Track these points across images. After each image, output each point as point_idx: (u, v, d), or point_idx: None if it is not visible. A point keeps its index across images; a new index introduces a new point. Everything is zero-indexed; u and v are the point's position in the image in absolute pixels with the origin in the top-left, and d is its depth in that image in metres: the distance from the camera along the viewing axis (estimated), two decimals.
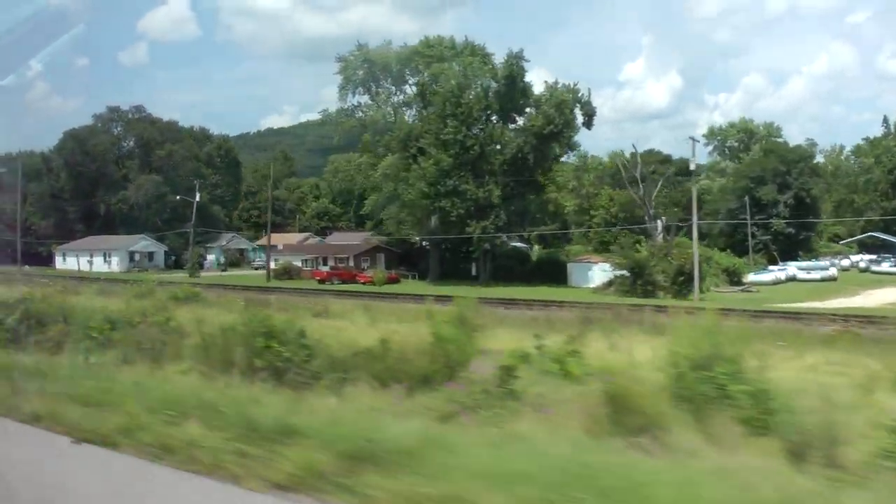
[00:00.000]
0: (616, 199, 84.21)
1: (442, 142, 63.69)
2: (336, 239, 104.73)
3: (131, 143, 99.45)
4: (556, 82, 64.70)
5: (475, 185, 63.87)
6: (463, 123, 63.65)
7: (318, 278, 67.07)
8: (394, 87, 74.83)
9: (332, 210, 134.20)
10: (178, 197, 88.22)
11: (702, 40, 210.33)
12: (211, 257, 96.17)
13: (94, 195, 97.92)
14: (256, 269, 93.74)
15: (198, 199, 77.26)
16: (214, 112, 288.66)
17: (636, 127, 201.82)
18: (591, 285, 63.57)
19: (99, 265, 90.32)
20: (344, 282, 66.78)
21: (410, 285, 66.11)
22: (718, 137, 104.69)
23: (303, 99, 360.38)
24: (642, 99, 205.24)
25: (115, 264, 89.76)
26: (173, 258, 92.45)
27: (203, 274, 79.34)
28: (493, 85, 66.10)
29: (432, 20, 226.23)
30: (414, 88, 70.49)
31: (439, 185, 64.17)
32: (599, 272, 64.36)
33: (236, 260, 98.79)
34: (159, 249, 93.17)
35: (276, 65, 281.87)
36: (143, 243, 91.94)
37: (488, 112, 65.01)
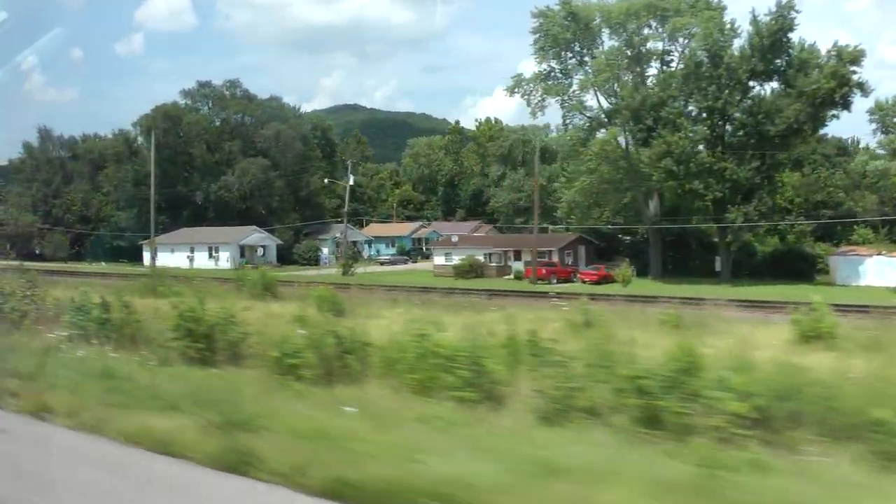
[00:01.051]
0: None
1: (699, 110, 52.31)
2: (447, 228, 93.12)
3: (226, 122, 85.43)
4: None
5: (735, 162, 52.69)
6: (723, 88, 52.35)
7: (539, 277, 55.20)
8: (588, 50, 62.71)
9: (416, 198, 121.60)
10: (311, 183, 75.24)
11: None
12: (324, 251, 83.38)
13: (189, 182, 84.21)
14: (382, 264, 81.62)
15: (351, 181, 64.62)
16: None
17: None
18: (866, 282, 53.12)
19: (203, 261, 77.21)
20: (559, 280, 55.18)
21: (640, 284, 54.56)
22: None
23: (301, 88, 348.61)
24: None
25: (225, 260, 76.56)
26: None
27: (337, 271, 67.20)
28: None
29: (430, 10, 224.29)
30: (642, 48, 58.60)
31: (690, 164, 52.86)
32: (876, 266, 53.79)
33: (354, 254, 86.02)
34: (271, 243, 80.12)
35: (274, 54, 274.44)
36: (255, 236, 78.86)
37: (751, 74, 53.75)
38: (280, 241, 78.92)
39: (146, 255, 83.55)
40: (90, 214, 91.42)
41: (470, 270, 62.01)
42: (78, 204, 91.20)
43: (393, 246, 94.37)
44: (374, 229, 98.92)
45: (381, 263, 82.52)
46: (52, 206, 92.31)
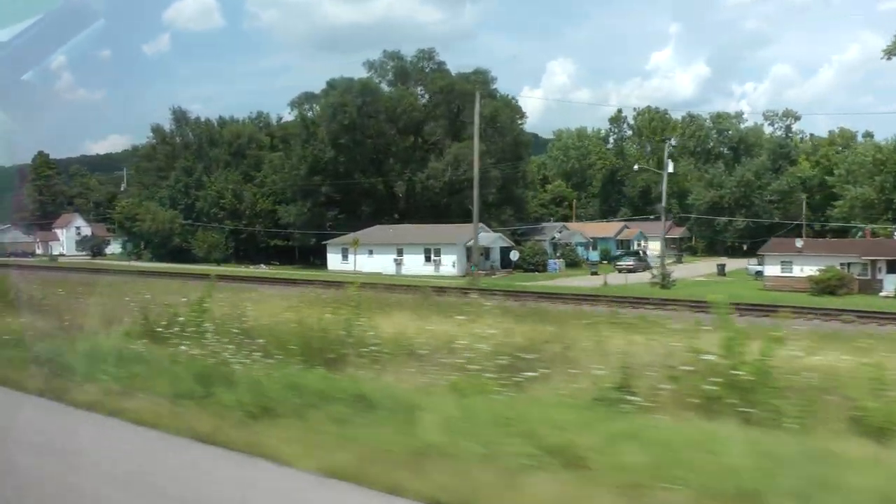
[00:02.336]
0: None
1: None
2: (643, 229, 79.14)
3: (422, 100, 70.31)
4: None
5: None
6: None
7: None
8: None
9: (570, 194, 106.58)
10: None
11: (730, 29, 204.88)
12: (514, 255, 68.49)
13: (376, 171, 69.15)
14: (620, 270, 67.22)
15: (671, 168, 49.98)
16: (235, 102, 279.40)
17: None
18: None
19: (416, 265, 62.55)
20: None
21: None
22: None
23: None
24: (669, 88, 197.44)
25: (451, 265, 61.81)
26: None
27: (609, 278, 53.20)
28: None
29: (458, 10, 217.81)
30: None
31: None
32: None
33: (574, 259, 71.34)
34: (495, 245, 65.23)
35: (301, 53, 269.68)
36: (484, 235, 63.80)
37: None
38: (511, 243, 64.00)
39: (332, 258, 68.57)
40: (243, 209, 75.92)
41: (840, 285, 47.49)
42: (228, 196, 75.65)
43: (594, 249, 79.65)
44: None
45: (620, 270, 67.83)
46: (195, 198, 76.73)
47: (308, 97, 78.38)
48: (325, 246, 69.50)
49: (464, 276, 61.96)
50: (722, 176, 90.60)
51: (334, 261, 68.45)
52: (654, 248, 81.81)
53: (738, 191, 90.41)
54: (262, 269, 70.04)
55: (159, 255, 75.60)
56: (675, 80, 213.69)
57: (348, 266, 65.95)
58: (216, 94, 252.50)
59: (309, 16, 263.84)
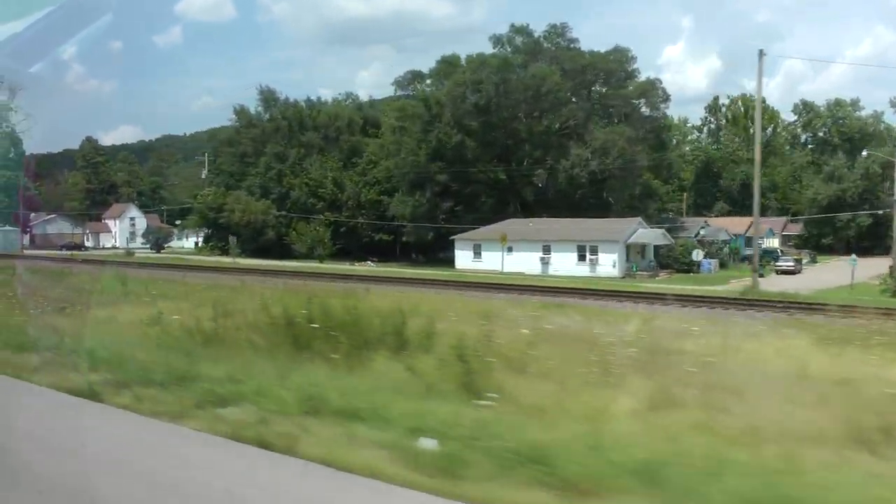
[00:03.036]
0: None
1: None
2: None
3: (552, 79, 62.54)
4: None
5: None
6: None
7: None
8: None
9: (658, 187, 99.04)
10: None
11: (743, 23, 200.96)
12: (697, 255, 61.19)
13: (508, 158, 61.70)
14: (779, 272, 60.26)
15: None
16: (245, 97, 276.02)
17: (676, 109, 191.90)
18: None
19: (567, 265, 55.50)
20: None
21: None
22: None
23: (337, 82, 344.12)
24: (682, 82, 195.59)
25: (611, 265, 54.70)
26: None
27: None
28: None
29: (469, 5, 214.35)
30: None
31: None
32: None
33: (724, 258, 64.11)
34: (655, 242, 58.00)
35: (313, 47, 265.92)
36: (643, 232, 56.68)
37: None
38: (672, 241, 56.70)
39: (461, 255, 61.02)
40: (344, 199, 68.19)
41: None
42: (328, 185, 67.88)
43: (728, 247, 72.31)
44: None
45: (777, 272, 60.88)
46: (289, 187, 68.86)
47: (415, 76, 70.72)
48: (438, 241, 62.03)
49: (622, 276, 54.97)
50: (843, 168, 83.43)
51: (463, 258, 60.87)
52: (770, 245, 75.11)
53: (861, 184, 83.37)
54: (370, 266, 62.57)
55: (250, 251, 67.76)
56: (686, 75, 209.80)
57: (481, 264, 58.65)
58: (227, 86, 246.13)
59: (321, 9, 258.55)
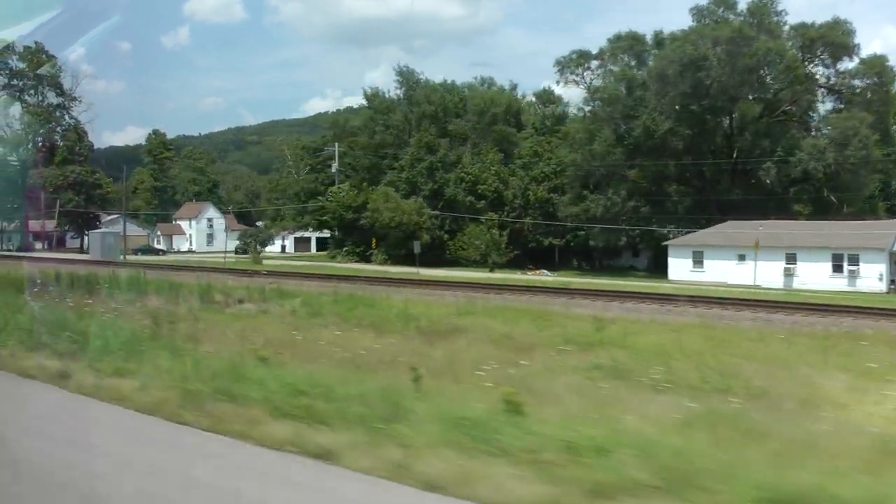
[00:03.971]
0: None
1: None
2: None
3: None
4: None
5: None
6: None
7: None
8: None
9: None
10: None
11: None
12: None
13: (719, 149, 52.33)
14: None
15: None
16: (253, 97, 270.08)
17: None
18: None
19: (814, 276, 46.30)
20: None
21: None
22: None
23: (346, 82, 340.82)
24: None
25: (878, 277, 45.47)
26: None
27: None
28: None
29: (479, 5, 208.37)
30: None
31: None
32: None
33: None
34: None
35: (321, 48, 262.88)
36: None
37: None
38: None
39: (676, 264, 51.51)
40: (510, 198, 58.36)
41: None
42: (491, 182, 58.05)
43: None
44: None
45: None
46: (442, 182, 58.92)
47: (583, 56, 61.03)
48: (620, 247, 52.39)
49: (887, 291, 45.71)
50: None
51: (679, 268, 51.21)
52: None
53: None
54: (547, 277, 52.76)
55: (397, 257, 57.78)
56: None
57: (702, 275, 49.13)
58: (236, 86, 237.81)
59: (330, 10, 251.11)
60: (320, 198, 63.55)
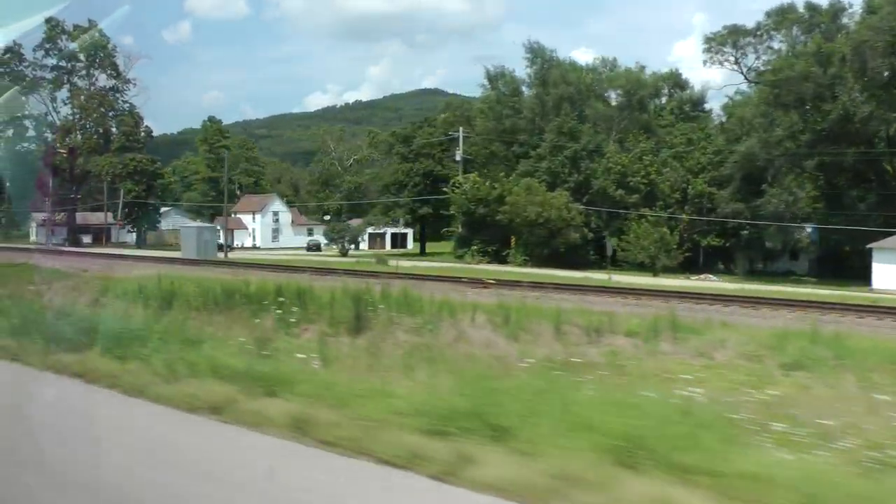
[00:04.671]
0: None
1: None
2: None
3: None
4: None
5: None
6: None
7: None
8: None
9: None
10: None
11: (755, 18, 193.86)
12: None
13: None
14: None
15: None
16: (255, 92, 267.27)
17: None
18: None
19: None
20: None
21: None
22: None
23: (347, 78, 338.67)
24: (695, 79, 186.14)
25: None
26: None
27: None
28: None
29: (483, 0, 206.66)
30: None
31: None
32: None
33: None
34: None
35: (323, 43, 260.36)
36: None
37: None
38: None
39: (882, 270, 45.00)
40: (669, 192, 51.66)
41: None
42: (647, 173, 51.33)
43: None
44: None
45: None
46: (588, 174, 52.20)
47: (734, 32, 54.42)
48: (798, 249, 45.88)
49: None
50: None
51: (887, 275, 44.66)
52: None
53: None
54: (713, 282, 46.12)
55: (540, 258, 51.00)
56: (699, 72, 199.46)
57: None
58: (238, 80, 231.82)
59: (333, 4, 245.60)
60: (445, 189, 56.40)
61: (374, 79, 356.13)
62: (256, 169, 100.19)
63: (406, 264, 47.15)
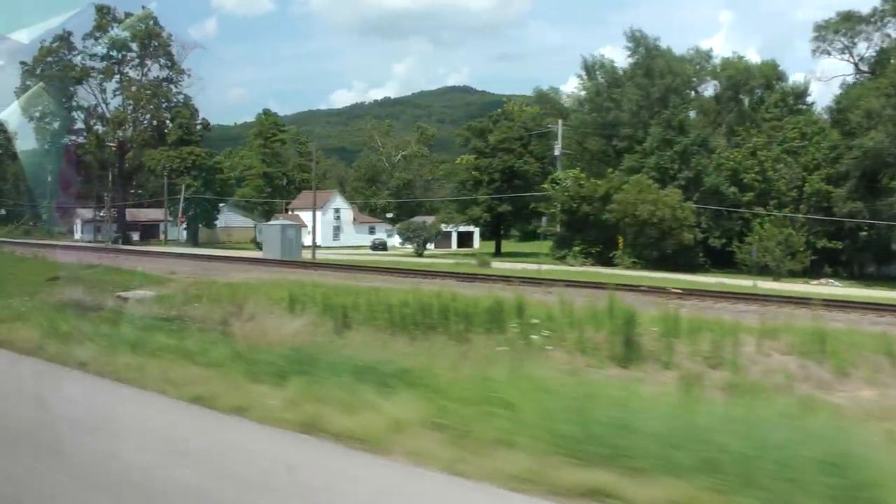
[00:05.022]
0: None
1: None
2: None
3: None
4: None
5: None
6: None
7: None
8: None
9: None
10: None
11: (781, 17, 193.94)
12: None
13: None
14: None
15: None
16: (280, 89, 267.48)
17: None
18: None
19: None
20: None
21: None
22: None
23: (372, 75, 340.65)
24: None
25: None
26: None
27: None
28: None
29: None
30: None
31: None
32: None
33: None
34: None
35: (348, 39, 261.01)
36: None
37: None
38: None
39: None
40: (786, 190, 48.63)
41: None
42: (763, 169, 48.33)
43: None
44: None
45: None
46: (699, 170, 49.19)
47: (847, 18, 51.43)
48: None
49: None
50: None
51: None
52: None
53: None
54: (836, 287, 43.05)
55: (648, 261, 48.09)
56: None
57: None
58: (262, 77, 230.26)
59: (358, 1, 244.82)
60: (545, 185, 53.36)
61: (399, 76, 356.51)
62: (310, 164, 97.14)
63: (502, 266, 43.83)
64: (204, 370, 8.12)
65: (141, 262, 37.38)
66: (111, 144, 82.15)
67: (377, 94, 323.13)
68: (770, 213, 49.36)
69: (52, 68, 77.91)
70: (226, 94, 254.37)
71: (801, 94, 57.67)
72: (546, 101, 63.24)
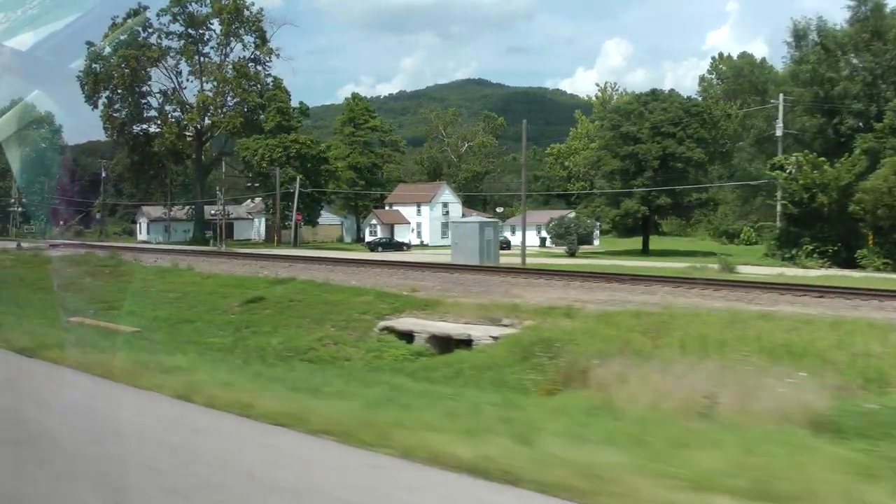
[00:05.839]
0: None
1: None
2: None
3: None
4: None
5: None
6: None
7: None
8: None
9: None
10: None
11: (789, 8, 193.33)
12: None
13: None
14: None
15: None
16: (289, 83, 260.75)
17: None
18: None
19: None
20: None
21: None
22: None
23: (380, 69, 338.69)
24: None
25: None
26: None
27: None
28: None
29: None
30: None
31: None
32: None
33: None
34: None
35: (357, 34, 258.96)
36: None
37: None
38: None
39: None
40: None
41: None
42: None
43: None
44: None
45: None
46: None
47: None
48: None
49: None
50: None
51: None
52: None
53: None
54: None
55: (843, 261, 41.97)
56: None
57: None
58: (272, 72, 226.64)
59: None
60: (769, 173, 46.43)
61: (407, 70, 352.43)
62: (396, 154, 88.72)
63: (750, 271, 36.12)
64: None
65: (310, 270, 29.54)
66: (188, 135, 73.22)
67: (384, 90, 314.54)
68: None
69: (124, 48, 68.70)
70: None
71: None
72: (739, 76, 55.96)
